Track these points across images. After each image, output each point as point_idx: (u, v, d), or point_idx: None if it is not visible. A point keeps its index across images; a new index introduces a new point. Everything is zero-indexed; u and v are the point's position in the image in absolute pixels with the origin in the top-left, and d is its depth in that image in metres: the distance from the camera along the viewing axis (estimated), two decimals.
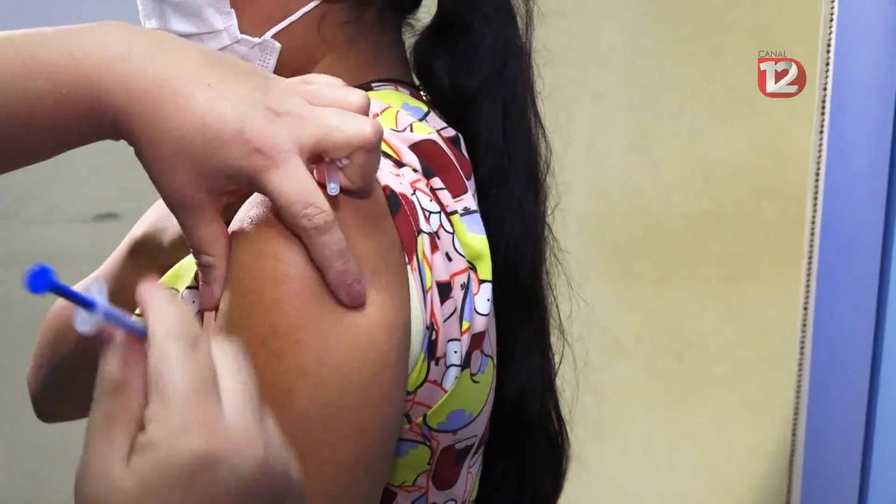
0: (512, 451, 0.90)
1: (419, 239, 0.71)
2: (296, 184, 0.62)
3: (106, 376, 0.50)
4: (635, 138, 2.06)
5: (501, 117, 0.85)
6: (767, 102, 1.82)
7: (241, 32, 0.80)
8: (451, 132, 0.82)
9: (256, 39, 0.80)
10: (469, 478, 0.82)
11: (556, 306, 0.93)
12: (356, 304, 0.64)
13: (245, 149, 0.62)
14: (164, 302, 0.52)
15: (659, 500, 2.17)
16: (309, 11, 0.80)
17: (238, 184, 0.64)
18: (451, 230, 0.76)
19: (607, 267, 2.09)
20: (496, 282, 0.78)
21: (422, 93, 0.87)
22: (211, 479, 0.49)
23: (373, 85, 0.83)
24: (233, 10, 0.80)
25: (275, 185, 0.62)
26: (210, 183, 0.63)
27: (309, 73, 0.81)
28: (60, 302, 1.00)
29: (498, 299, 0.80)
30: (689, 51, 2.01)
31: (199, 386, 0.50)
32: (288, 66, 0.81)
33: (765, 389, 2.04)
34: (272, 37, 0.80)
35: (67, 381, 1.02)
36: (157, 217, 0.97)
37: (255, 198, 0.67)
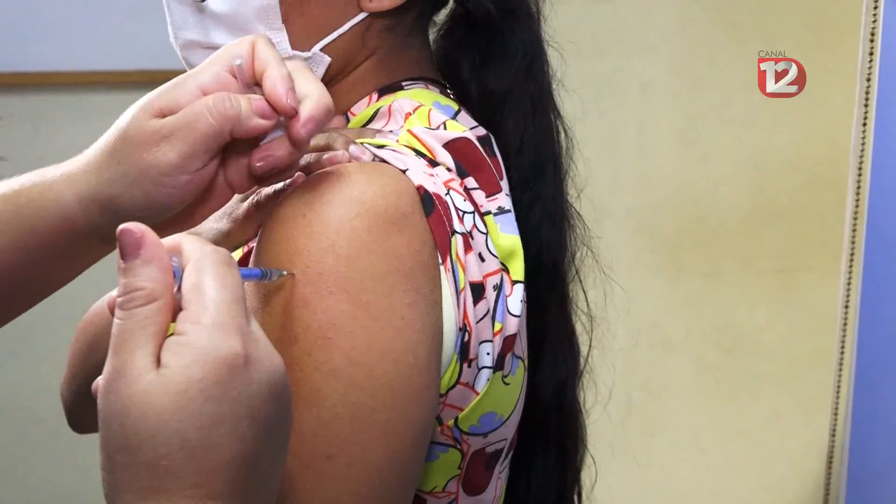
0: (554, 444, 0.89)
1: (453, 240, 0.70)
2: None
3: (139, 285, 0.52)
4: (684, 128, 2.03)
5: (532, 114, 0.84)
6: (820, 91, 1.78)
7: (292, 48, 0.78)
8: (481, 131, 0.81)
9: (306, 54, 0.79)
10: (499, 483, 0.81)
11: (586, 299, 0.93)
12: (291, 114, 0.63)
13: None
14: (197, 239, 0.56)
15: (710, 496, 2.14)
16: (356, 24, 0.80)
17: None
18: (484, 230, 0.75)
19: (656, 260, 2.06)
20: (530, 276, 0.77)
21: (448, 91, 0.86)
22: (246, 379, 0.52)
23: (403, 83, 0.82)
24: (283, 26, 0.78)
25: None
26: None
27: (347, 76, 0.80)
28: (93, 310, 0.99)
29: (532, 294, 0.79)
30: (738, 38, 1.96)
31: (235, 295, 0.54)
32: (329, 72, 0.80)
33: (818, 386, 2.00)
34: (320, 50, 0.79)
35: None
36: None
37: (291, 194, 0.66)
